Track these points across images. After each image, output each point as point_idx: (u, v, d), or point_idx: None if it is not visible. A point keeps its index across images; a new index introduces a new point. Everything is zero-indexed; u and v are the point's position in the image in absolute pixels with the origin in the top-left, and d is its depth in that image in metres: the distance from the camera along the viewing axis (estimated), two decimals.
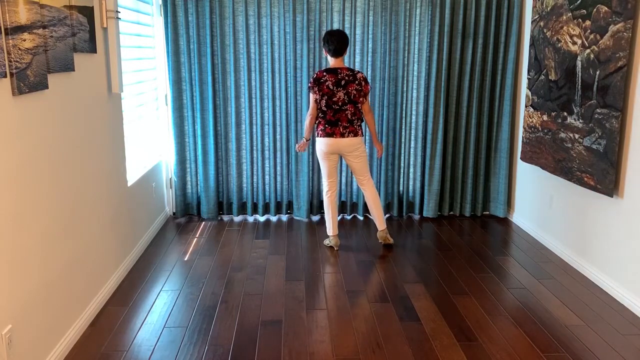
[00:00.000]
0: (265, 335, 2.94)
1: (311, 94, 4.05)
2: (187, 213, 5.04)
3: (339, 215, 5.08)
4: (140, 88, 4.27)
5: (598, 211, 3.63)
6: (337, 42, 3.95)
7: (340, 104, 3.99)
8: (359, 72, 4.03)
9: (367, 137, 4.85)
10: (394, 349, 2.81)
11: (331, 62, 4.04)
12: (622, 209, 3.38)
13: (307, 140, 4.22)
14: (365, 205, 5.05)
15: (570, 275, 3.76)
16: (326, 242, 4.31)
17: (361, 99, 4.02)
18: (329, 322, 3.08)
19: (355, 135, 4.05)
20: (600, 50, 3.46)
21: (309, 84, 4.04)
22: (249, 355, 2.74)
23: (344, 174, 5.00)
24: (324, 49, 4.07)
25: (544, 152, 4.19)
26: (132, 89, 4.06)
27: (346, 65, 4.57)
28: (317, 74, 4.02)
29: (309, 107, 4.19)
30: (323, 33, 4.69)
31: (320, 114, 4.05)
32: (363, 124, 4.74)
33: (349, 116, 4.02)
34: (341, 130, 4.03)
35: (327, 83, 3.97)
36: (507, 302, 3.35)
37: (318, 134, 4.10)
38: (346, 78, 3.98)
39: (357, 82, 3.99)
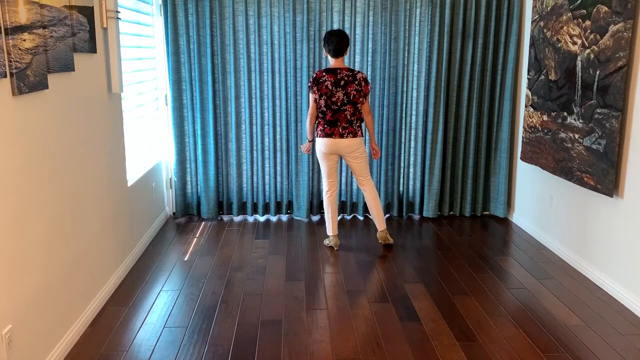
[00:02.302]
0: (265, 335, 2.94)
1: (311, 94, 4.05)
2: (187, 213, 5.04)
3: (339, 215, 5.08)
4: (140, 88, 4.27)
5: (598, 211, 3.63)
6: (337, 42, 3.94)
7: (339, 104, 3.99)
8: (359, 72, 4.02)
9: (367, 138, 4.84)
10: (394, 349, 2.81)
11: (331, 62, 4.03)
12: (622, 209, 3.38)
13: (310, 142, 4.22)
14: (365, 205, 5.05)
15: (570, 275, 3.76)
16: (326, 242, 4.31)
17: (361, 99, 4.02)
18: (329, 322, 3.08)
19: (355, 136, 4.05)
20: (600, 50, 3.46)
21: (309, 84, 4.04)
22: (249, 355, 2.74)
23: (344, 174, 5.00)
24: (324, 49, 4.06)
25: (544, 152, 4.19)
26: (132, 89, 4.06)
27: (347, 65, 4.56)
28: (316, 73, 4.01)
29: (308, 107, 4.18)
30: (323, 33, 4.69)
31: (319, 114, 4.05)
32: (363, 125, 4.74)
33: (348, 116, 4.02)
34: (340, 130, 4.02)
35: (326, 83, 3.97)
36: (507, 302, 3.35)
37: (317, 134, 4.10)
38: (345, 78, 3.98)
39: (356, 82, 3.99)
